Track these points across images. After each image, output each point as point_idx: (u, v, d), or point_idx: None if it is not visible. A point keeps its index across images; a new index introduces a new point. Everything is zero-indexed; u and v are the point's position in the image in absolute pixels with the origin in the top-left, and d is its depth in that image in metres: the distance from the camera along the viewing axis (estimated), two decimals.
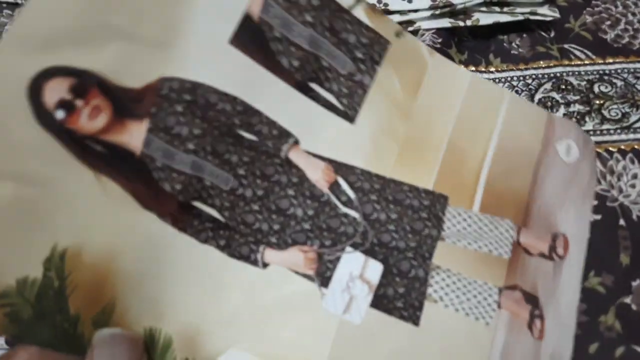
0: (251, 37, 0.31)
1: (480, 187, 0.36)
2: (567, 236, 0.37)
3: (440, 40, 0.47)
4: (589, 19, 0.50)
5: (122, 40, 0.28)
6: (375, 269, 0.33)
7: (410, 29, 0.44)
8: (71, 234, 0.28)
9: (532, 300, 0.35)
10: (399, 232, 0.34)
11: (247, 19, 0.31)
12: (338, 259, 0.33)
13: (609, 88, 0.47)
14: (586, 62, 0.48)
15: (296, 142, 0.32)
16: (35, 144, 0.27)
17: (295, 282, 0.32)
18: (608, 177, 0.43)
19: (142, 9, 0.29)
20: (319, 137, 0.33)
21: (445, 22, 0.44)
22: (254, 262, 0.31)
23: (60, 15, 0.27)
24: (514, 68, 0.47)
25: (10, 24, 0.44)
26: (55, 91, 0.27)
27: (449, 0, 0.43)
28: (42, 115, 0.27)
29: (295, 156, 0.32)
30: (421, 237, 0.34)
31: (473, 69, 0.47)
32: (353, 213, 0.33)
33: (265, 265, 0.32)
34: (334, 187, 0.33)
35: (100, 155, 0.29)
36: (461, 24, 0.44)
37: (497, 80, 0.47)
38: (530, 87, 0.46)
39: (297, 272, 0.32)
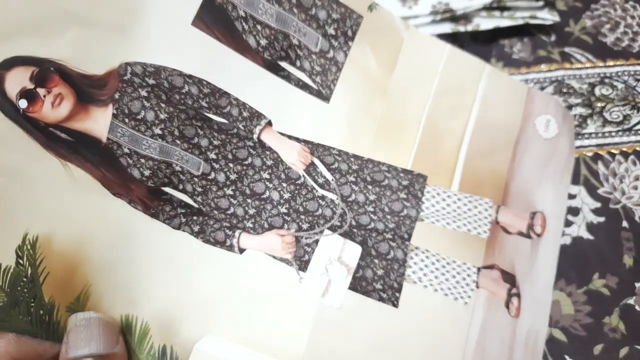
0: (214, 17, 0.32)
1: (459, 164, 0.37)
2: (544, 214, 0.38)
3: None
4: (588, 22, 0.51)
5: (81, 27, 0.29)
6: (353, 251, 0.33)
7: None
8: (41, 222, 0.29)
9: (509, 278, 0.36)
10: (377, 214, 0.34)
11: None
12: (316, 242, 0.33)
13: (610, 91, 0.48)
14: (587, 65, 0.49)
15: (269, 124, 0.33)
16: (0, 134, 0.28)
17: (272, 267, 0.32)
18: (610, 180, 0.45)
19: None
20: (292, 117, 0.34)
21: (446, 28, 0.45)
22: (230, 248, 0.32)
23: (16, 6, 0.28)
24: (516, 72, 0.48)
25: None
26: (16, 81, 0.28)
27: (449, 6, 0.43)
28: (5, 105, 0.28)
29: (269, 138, 0.33)
30: (400, 217, 0.34)
31: None
32: (331, 195, 0.34)
33: (241, 250, 0.32)
34: (310, 168, 0.34)
35: (66, 143, 0.30)
36: (462, 29, 0.45)
37: None
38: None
39: (274, 257, 0.32)
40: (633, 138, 0.47)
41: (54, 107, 0.29)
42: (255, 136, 0.33)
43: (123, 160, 0.30)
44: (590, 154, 0.45)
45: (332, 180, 0.34)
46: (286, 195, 0.33)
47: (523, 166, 0.38)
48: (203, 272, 0.32)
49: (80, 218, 0.30)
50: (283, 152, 0.33)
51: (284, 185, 0.33)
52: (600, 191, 0.44)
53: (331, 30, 0.35)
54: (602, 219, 0.43)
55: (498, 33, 0.48)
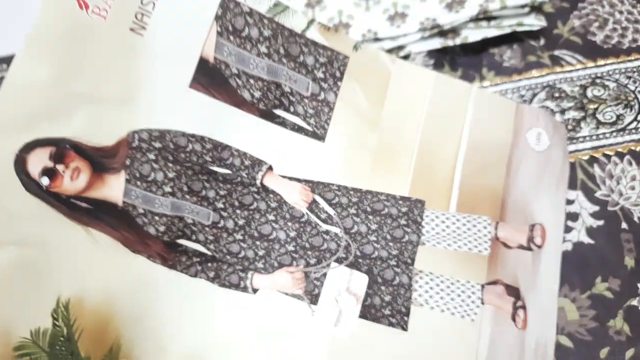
0: (210, 78, 0.35)
1: (455, 186, 0.39)
2: (544, 225, 0.40)
3: (432, 62, 0.49)
4: (577, 22, 0.52)
5: (89, 105, 0.32)
6: (360, 281, 0.36)
7: (402, 53, 0.47)
8: (72, 285, 0.32)
9: (513, 292, 0.38)
10: (380, 242, 0.37)
11: (203, 62, 0.35)
12: (324, 275, 0.36)
13: (602, 91, 0.49)
14: (577, 67, 0.50)
15: (270, 169, 0.36)
16: (29, 210, 0.32)
17: (285, 304, 0.35)
18: (607, 182, 0.46)
19: (101, 72, 0.33)
20: (291, 160, 0.37)
21: (435, 43, 0.47)
22: (244, 289, 0.35)
23: (30, 96, 0.31)
24: (507, 80, 0.49)
25: None
26: (37, 161, 0.32)
27: (437, 21, 0.45)
28: (30, 184, 0.32)
29: (271, 182, 0.36)
30: (402, 244, 0.37)
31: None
32: (334, 229, 0.36)
33: (255, 290, 0.35)
34: (313, 206, 0.36)
35: (86, 210, 0.33)
36: (450, 43, 0.47)
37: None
38: (524, 98, 0.49)
39: (286, 294, 0.35)
40: (627, 138, 0.48)
41: (73, 180, 0.32)
42: (258, 182, 0.35)
43: (139, 220, 0.33)
44: (585, 157, 0.47)
45: (334, 214, 0.36)
46: (292, 234, 0.36)
47: (518, 180, 0.40)
48: (222, 316, 0.35)
49: (106, 277, 0.33)
50: (285, 193, 0.36)
51: (290, 224, 0.36)
52: (598, 194, 0.46)
53: (320, 74, 0.37)
54: (601, 222, 0.45)
55: (487, 42, 0.50)
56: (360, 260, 0.37)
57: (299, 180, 0.37)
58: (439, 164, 0.39)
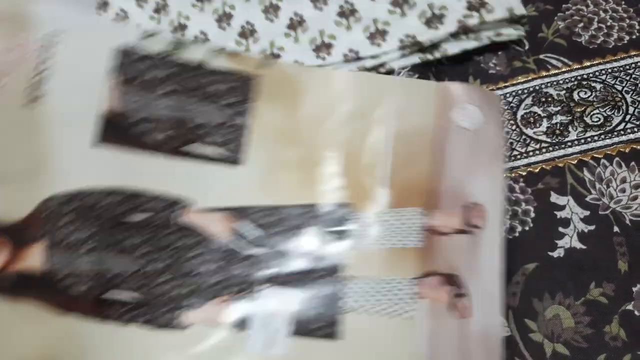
0: (114, 130, 0.39)
1: (385, 183, 0.40)
2: (481, 204, 0.40)
3: (417, 76, 0.51)
4: (561, 24, 0.54)
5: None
6: (290, 299, 0.37)
7: (383, 70, 0.50)
8: (8, 358, 0.34)
9: (452, 280, 0.38)
10: (307, 256, 0.37)
11: (104, 117, 0.39)
12: (254, 299, 0.36)
13: (589, 93, 0.50)
14: (563, 69, 0.52)
15: (186, 206, 0.38)
16: None
17: (216, 334, 0.35)
18: (597, 185, 0.47)
19: (2, 150, 0.36)
20: (210, 191, 0.39)
21: (415, 59, 0.50)
22: (178, 327, 0.36)
23: None
24: (494, 88, 0.52)
25: None
26: None
27: (416, 39, 0.49)
28: None
29: (190, 218, 0.38)
30: (332, 253, 0.37)
31: None
32: (259, 251, 0.37)
33: (187, 326, 0.36)
34: (237, 232, 0.38)
35: (12, 284, 0.35)
36: (430, 57, 0.50)
37: None
38: (512, 104, 0.51)
39: (218, 323, 0.37)
40: (616, 139, 0.49)
41: None
42: (177, 221, 0.37)
43: (64, 282, 0.36)
44: (574, 161, 0.48)
45: (257, 237, 0.38)
46: (219, 264, 0.38)
47: (450, 163, 0.41)
48: (156, 353, 0.36)
49: (41, 345, 0.35)
50: (207, 226, 0.38)
51: (215, 255, 0.38)
52: (589, 198, 0.46)
53: (230, 100, 0.41)
54: (592, 227, 0.45)
55: (472, 50, 0.52)
56: (289, 278, 0.37)
57: (219, 209, 0.39)
58: (366, 163, 0.40)
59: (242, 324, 0.37)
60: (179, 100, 0.39)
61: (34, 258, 0.36)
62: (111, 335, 0.36)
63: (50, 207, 0.37)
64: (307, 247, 0.38)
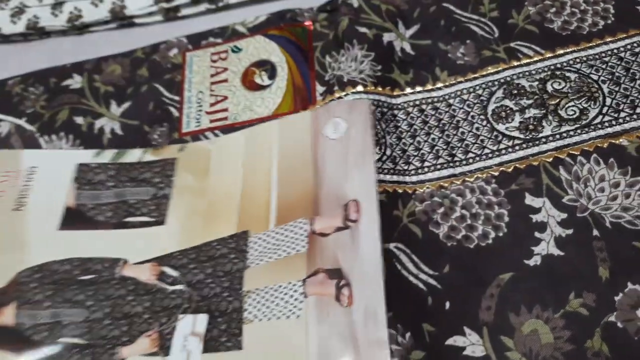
0: (73, 218, 0.49)
1: (272, 207, 0.45)
2: (357, 200, 0.42)
3: (380, 67, 0.50)
4: (532, 9, 0.51)
5: None
6: (201, 321, 0.42)
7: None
8: None
9: (335, 274, 0.39)
10: (215, 281, 0.43)
11: (68, 209, 0.50)
12: (174, 328, 0.41)
13: (563, 84, 0.47)
14: (535, 58, 0.48)
15: (125, 262, 0.45)
16: None
17: None
18: (574, 185, 0.43)
19: None
20: (144, 248, 0.47)
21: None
22: None
23: None
24: (463, 79, 0.49)
25: None
26: None
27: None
28: None
29: (127, 271, 0.45)
30: (231, 275, 0.43)
31: (420, 88, 0.50)
32: (179, 287, 0.43)
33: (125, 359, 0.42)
34: (161, 276, 0.44)
35: None
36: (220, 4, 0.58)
37: (447, 96, 0.49)
38: (482, 97, 0.49)
39: (149, 353, 0.42)
40: (593, 134, 0.45)
41: None
42: (117, 275, 0.45)
43: (27, 332, 0.43)
44: (550, 159, 0.44)
45: (178, 275, 0.43)
46: (147, 305, 0.43)
47: (326, 173, 0.44)
48: None
49: None
50: (139, 275, 0.45)
51: (145, 297, 0.43)
52: (565, 200, 0.43)
53: (156, 179, 0.50)
54: (570, 231, 0.42)
55: (439, 39, 0.51)
56: (201, 303, 0.42)
57: (148, 260, 0.46)
58: (257, 196, 0.46)
59: (166, 350, 0.41)
60: (118, 190, 0.50)
61: (8, 316, 0.44)
62: None
63: (23, 276, 0.46)
64: (214, 275, 0.43)
